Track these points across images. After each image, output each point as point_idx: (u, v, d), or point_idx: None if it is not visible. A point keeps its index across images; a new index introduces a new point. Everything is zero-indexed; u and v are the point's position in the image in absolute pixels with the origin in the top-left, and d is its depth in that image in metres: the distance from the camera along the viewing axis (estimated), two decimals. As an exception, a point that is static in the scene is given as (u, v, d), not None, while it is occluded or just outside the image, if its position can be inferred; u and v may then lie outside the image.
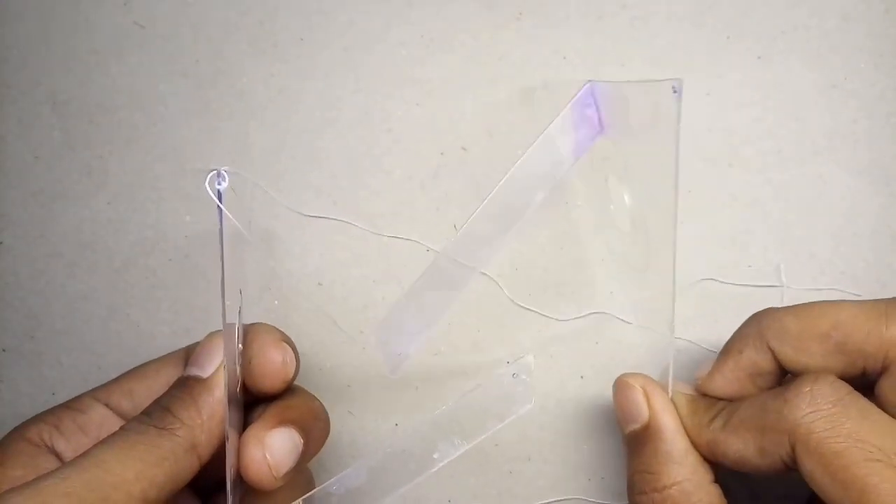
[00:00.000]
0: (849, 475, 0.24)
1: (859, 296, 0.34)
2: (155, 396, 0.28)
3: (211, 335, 0.29)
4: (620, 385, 0.30)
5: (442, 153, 0.35)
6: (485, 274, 0.35)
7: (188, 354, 0.30)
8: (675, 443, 0.28)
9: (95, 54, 0.36)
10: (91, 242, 0.36)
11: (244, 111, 0.36)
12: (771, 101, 0.35)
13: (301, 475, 0.30)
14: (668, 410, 0.29)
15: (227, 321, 0.27)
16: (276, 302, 0.36)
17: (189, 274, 0.36)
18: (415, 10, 0.35)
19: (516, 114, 0.35)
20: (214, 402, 0.27)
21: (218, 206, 0.24)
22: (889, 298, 0.27)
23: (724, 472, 0.28)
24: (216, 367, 0.27)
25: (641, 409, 0.29)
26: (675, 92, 0.24)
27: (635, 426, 0.29)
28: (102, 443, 0.25)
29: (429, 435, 0.27)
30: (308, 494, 0.27)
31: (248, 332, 0.29)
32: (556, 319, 0.35)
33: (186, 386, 0.27)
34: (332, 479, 0.27)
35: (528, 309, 0.35)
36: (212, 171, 0.24)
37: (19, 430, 0.28)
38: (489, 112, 0.35)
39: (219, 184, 0.23)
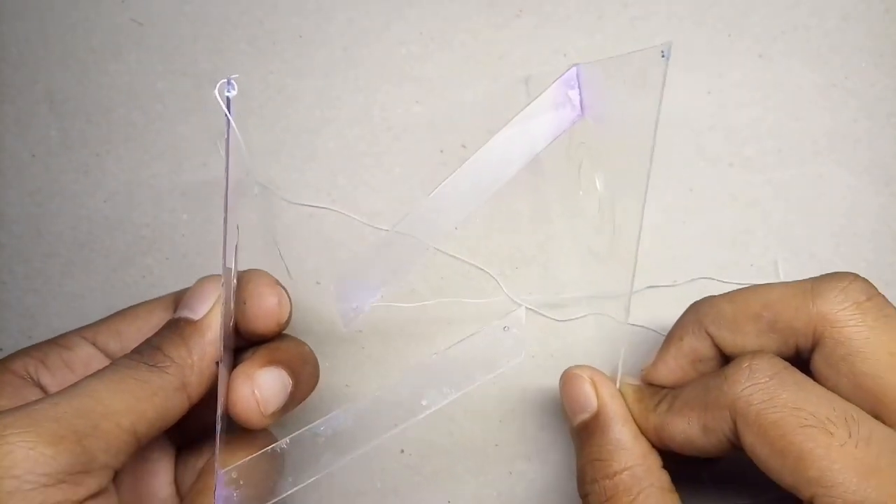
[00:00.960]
0: (786, 443, 0.24)
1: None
2: (143, 339, 0.28)
3: (202, 279, 0.29)
4: (568, 377, 0.31)
5: (442, 151, 0.35)
6: (485, 271, 0.35)
7: (177, 299, 0.30)
8: (625, 430, 0.29)
9: (93, 52, 0.36)
10: (88, 241, 0.36)
11: (243, 110, 0.36)
12: (771, 100, 0.35)
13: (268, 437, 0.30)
14: (616, 398, 0.30)
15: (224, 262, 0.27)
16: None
17: (186, 273, 0.36)
18: (414, 9, 0.35)
19: (516, 112, 0.35)
20: (205, 344, 0.27)
21: (225, 114, 0.24)
22: (815, 277, 0.28)
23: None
24: (207, 310, 0.27)
25: (590, 399, 0.30)
26: (663, 56, 0.24)
27: (584, 416, 0.30)
28: (93, 375, 0.25)
29: (418, 382, 0.27)
30: (295, 434, 0.27)
31: (243, 276, 0.29)
32: (556, 320, 0.35)
33: (178, 327, 0.27)
34: (320, 420, 0.27)
35: (527, 308, 0.35)
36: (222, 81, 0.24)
37: (4, 363, 0.28)
38: (489, 110, 0.35)
39: (228, 91, 0.23)
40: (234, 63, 0.36)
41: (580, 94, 0.29)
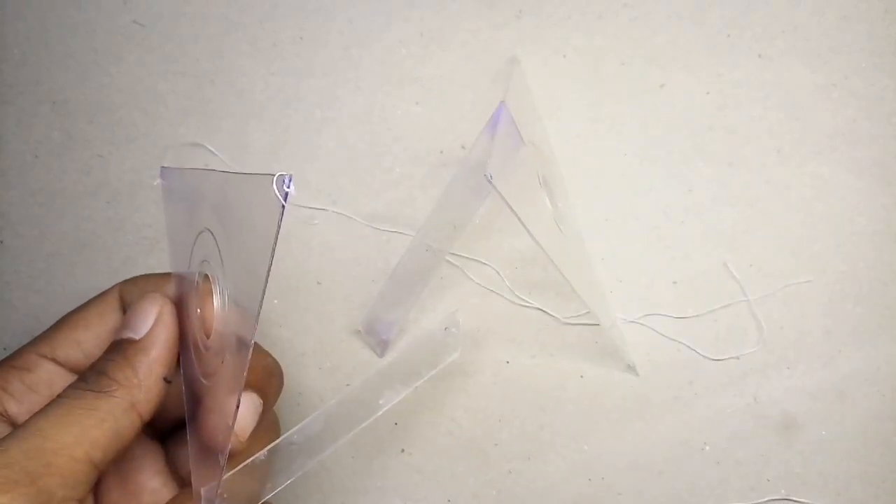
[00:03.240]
0: None
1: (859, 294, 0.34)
2: (102, 344, 0.28)
3: (145, 297, 0.28)
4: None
5: (441, 152, 0.35)
6: (487, 265, 0.35)
7: (122, 292, 0.30)
8: None
9: (94, 53, 0.36)
10: (91, 242, 0.36)
11: (244, 110, 0.36)
12: (771, 100, 0.35)
13: (267, 419, 0.30)
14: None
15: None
16: (275, 301, 0.36)
17: (188, 273, 0.36)
18: (415, 9, 0.35)
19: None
20: (150, 362, 0.27)
21: (282, 204, 0.23)
22: None
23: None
24: (149, 328, 0.27)
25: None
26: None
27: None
28: (39, 413, 0.25)
29: (376, 384, 0.29)
30: (271, 445, 0.28)
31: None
32: (557, 318, 0.35)
33: (121, 349, 0.27)
34: (294, 429, 0.28)
35: (529, 306, 0.35)
36: (278, 174, 0.23)
37: None
38: (489, 111, 0.35)
39: (287, 187, 0.23)
40: (235, 63, 0.36)
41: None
